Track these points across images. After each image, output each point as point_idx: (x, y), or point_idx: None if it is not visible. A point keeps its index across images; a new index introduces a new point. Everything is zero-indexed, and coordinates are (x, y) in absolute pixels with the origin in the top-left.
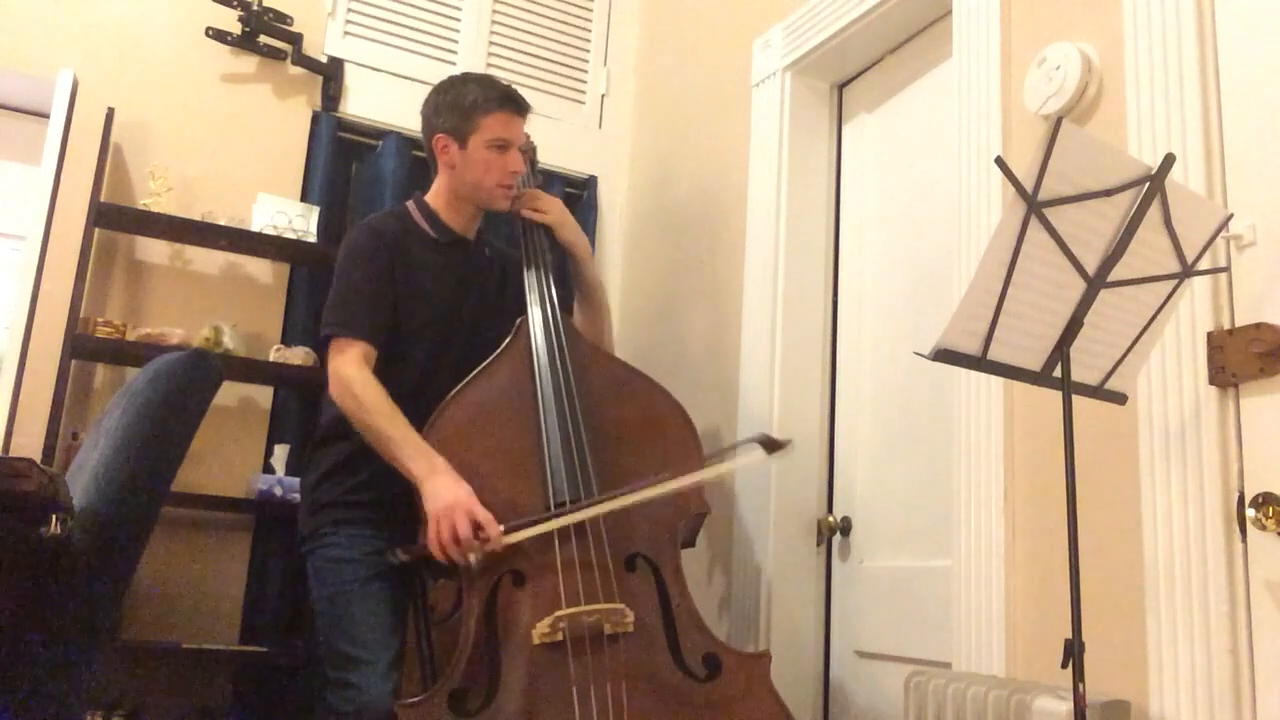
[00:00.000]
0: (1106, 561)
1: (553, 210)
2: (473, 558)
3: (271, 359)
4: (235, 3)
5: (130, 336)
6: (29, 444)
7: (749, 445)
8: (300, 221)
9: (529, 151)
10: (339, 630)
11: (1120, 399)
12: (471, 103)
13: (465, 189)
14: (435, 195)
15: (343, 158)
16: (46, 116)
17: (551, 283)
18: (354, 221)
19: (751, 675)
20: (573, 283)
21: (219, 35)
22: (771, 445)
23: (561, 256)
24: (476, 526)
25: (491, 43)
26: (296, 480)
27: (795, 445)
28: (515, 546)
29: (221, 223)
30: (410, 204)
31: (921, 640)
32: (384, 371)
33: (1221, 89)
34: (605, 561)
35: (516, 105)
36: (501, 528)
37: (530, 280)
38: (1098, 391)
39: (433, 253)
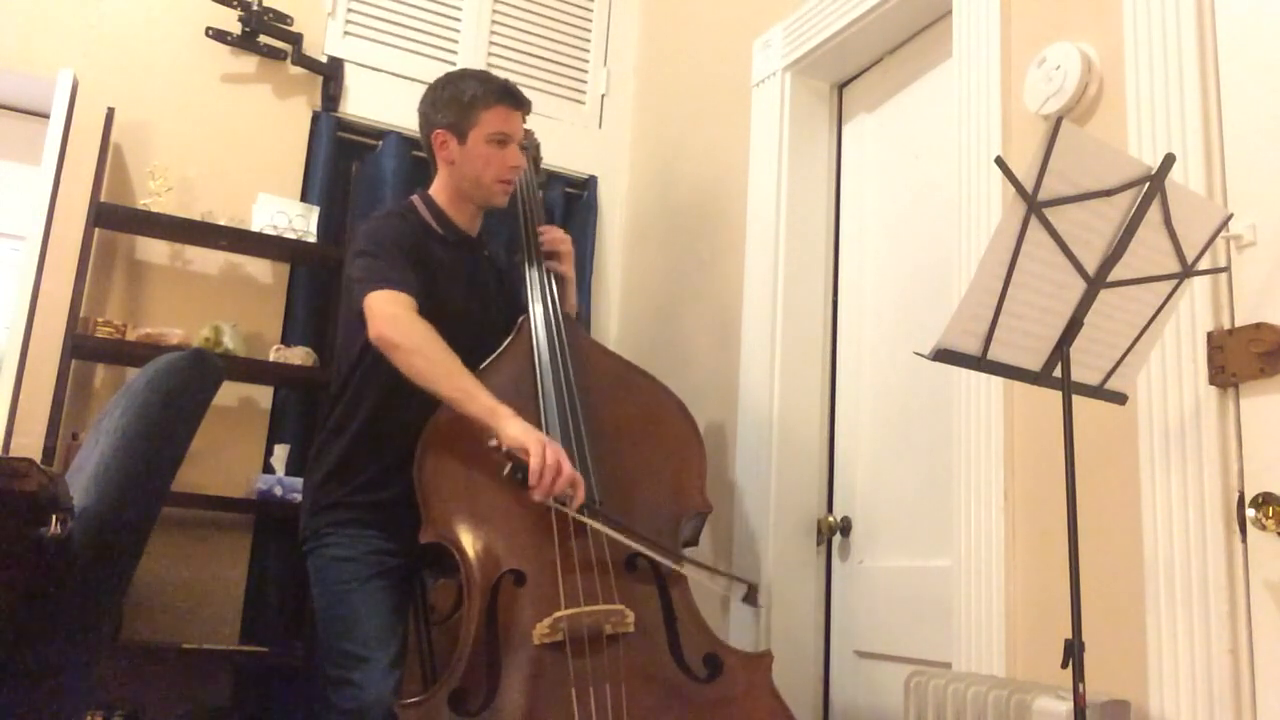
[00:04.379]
0: (1106, 561)
1: (566, 244)
2: (552, 501)
3: (271, 359)
4: (235, 3)
5: (130, 336)
6: (29, 444)
7: (740, 586)
8: (300, 221)
9: (532, 149)
10: (340, 628)
11: (1120, 399)
12: (470, 97)
13: (465, 185)
14: (438, 193)
15: (343, 158)
16: (46, 116)
17: (552, 280)
18: (354, 222)
19: (753, 675)
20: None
21: (219, 35)
22: (751, 598)
23: None
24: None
25: (491, 43)
26: (296, 480)
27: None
28: (517, 545)
29: (221, 223)
30: (416, 200)
31: (921, 640)
32: (387, 367)
33: (1221, 89)
34: (606, 561)
35: (515, 99)
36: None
37: (531, 277)
38: (1098, 391)
39: (442, 250)
